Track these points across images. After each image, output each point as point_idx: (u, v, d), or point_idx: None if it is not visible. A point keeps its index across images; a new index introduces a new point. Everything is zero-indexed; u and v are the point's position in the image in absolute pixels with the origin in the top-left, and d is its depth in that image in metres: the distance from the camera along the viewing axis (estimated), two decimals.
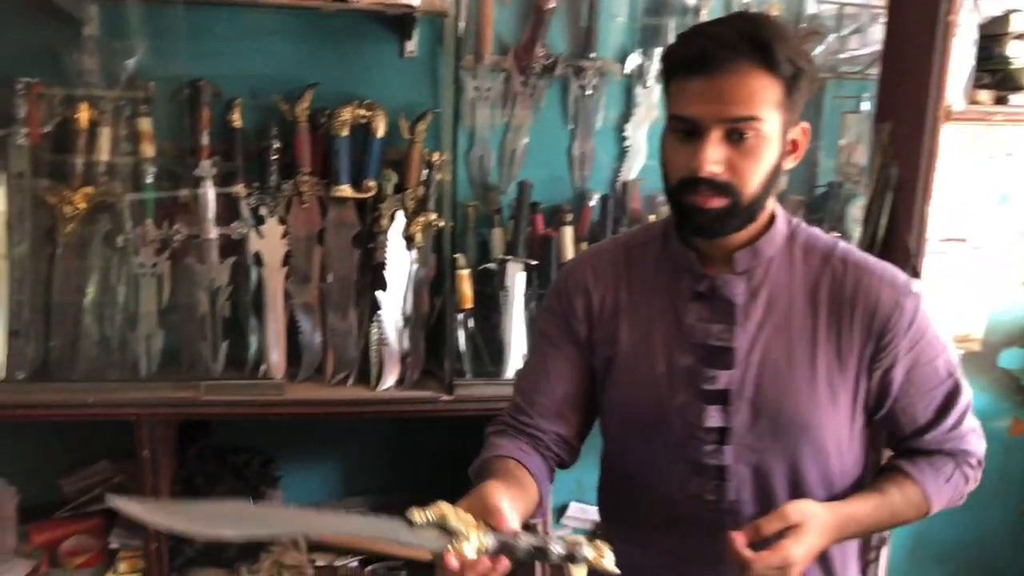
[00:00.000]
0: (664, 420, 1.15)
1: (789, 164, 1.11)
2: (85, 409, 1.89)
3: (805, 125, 1.10)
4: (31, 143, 1.94)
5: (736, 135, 1.03)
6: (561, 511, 2.41)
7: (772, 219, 1.15)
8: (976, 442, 1.19)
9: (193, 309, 2.03)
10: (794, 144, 1.10)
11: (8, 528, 2.03)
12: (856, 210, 2.24)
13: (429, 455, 2.29)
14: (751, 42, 1.00)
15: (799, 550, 1.02)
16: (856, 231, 2.19)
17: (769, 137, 1.04)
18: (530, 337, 1.26)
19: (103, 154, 1.98)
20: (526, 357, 1.31)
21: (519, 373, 1.27)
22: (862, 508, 1.13)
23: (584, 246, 2.20)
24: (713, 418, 1.13)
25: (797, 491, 1.14)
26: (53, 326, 1.97)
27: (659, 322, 1.16)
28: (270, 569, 2.07)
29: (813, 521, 1.05)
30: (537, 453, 1.17)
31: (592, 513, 2.36)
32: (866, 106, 2.27)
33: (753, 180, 1.05)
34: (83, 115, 1.96)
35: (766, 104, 1.02)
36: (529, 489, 1.10)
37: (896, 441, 1.20)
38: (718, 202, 1.05)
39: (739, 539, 1.02)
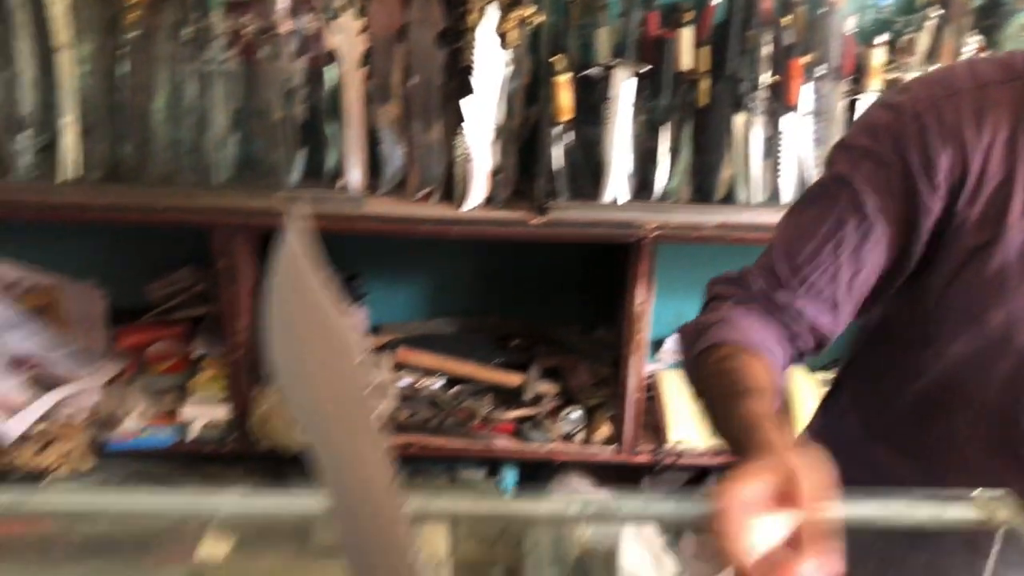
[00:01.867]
0: None
1: None
2: (158, 214, 1.82)
3: None
4: None
5: None
6: (657, 345, 2.24)
7: None
8: None
9: (266, 113, 1.86)
10: None
11: (97, 330, 2.03)
12: (1016, 28, 1.83)
13: (519, 277, 2.16)
14: None
15: None
16: None
17: None
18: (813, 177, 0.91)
19: None
20: (800, 207, 0.90)
21: (783, 226, 0.90)
22: None
23: (705, 52, 1.88)
24: None
25: None
26: (123, 126, 1.85)
27: None
28: None
29: None
30: (781, 348, 0.85)
31: None
32: None
33: None
34: None
35: None
36: None
37: None
38: None
39: None
